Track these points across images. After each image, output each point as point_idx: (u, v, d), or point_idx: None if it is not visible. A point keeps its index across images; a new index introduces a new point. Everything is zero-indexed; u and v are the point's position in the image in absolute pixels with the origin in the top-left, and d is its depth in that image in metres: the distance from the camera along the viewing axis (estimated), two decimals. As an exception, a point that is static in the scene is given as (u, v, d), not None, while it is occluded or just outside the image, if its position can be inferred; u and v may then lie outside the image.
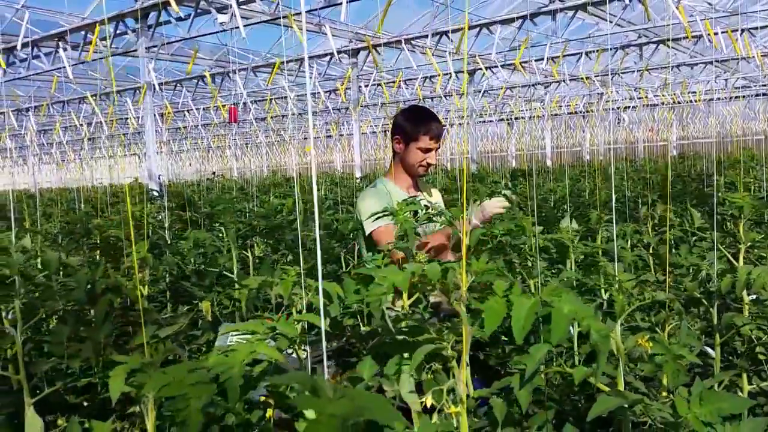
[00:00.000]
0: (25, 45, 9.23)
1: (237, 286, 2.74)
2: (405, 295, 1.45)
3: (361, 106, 17.27)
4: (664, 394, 1.37)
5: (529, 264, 1.85)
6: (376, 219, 2.35)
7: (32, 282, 2.30)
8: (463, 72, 13.72)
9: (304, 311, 1.48)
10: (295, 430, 1.49)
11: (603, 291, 1.93)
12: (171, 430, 1.68)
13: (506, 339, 1.98)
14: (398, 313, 1.54)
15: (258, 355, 1.31)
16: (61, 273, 2.55)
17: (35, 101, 15.25)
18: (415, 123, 2.68)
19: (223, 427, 1.59)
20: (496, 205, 2.34)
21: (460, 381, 1.05)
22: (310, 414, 1.37)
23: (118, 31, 9.29)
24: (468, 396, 1.12)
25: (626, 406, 1.19)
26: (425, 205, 2.09)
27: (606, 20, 10.67)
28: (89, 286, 2.29)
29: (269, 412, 1.34)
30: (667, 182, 3.82)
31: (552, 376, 1.54)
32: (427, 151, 2.69)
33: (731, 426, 1.18)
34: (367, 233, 2.57)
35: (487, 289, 1.11)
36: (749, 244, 2.15)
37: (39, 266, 2.45)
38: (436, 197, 2.90)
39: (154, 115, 9.56)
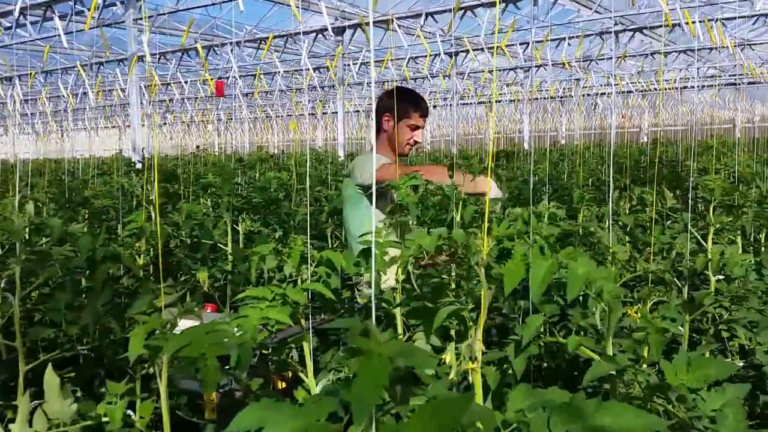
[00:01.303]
0: (8, 13, 9.07)
1: (230, 258, 2.83)
2: (399, 268, 1.54)
3: (348, 85, 17.23)
4: (645, 366, 1.47)
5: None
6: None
7: (33, 249, 2.34)
8: (448, 53, 13.77)
9: (309, 281, 1.56)
10: (294, 397, 1.58)
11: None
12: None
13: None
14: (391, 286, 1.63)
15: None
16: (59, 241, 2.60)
17: (17, 71, 14.95)
18: (405, 101, 2.75)
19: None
20: (485, 188, 2.35)
21: (477, 340, 1.15)
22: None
23: (106, 3, 9.20)
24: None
25: (617, 372, 1.27)
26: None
27: (586, 7, 10.80)
28: (89, 254, 2.33)
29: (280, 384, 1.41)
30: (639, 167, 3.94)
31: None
32: (415, 128, 2.78)
33: (716, 392, 1.25)
34: (368, 178, 2.61)
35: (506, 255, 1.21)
36: (718, 226, 2.28)
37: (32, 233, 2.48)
38: None
39: (140, 87, 9.47)
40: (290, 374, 1.74)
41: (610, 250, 1.53)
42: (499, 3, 9.88)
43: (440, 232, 1.32)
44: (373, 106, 2.79)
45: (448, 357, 1.14)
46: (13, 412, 1.91)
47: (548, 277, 1.15)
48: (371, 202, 2.69)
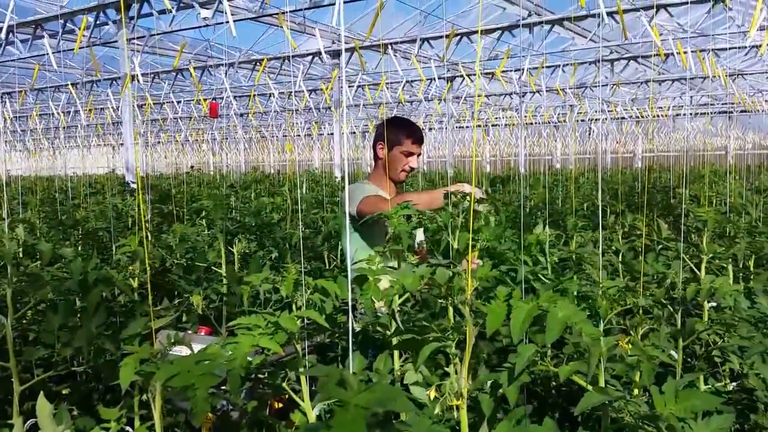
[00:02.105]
0: (-3, 30, 9.10)
1: (225, 281, 2.82)
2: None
3: (344, 108, 17.34)
4: (636, 391, 1.48)
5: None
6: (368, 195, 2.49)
7: (24, 272, 2.34)
8: (442, 78, 13.90)
9: (304, 308, 1.56)
10: (290, 419, 1.58)
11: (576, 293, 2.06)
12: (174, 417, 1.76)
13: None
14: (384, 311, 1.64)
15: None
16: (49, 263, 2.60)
17: (6, 87, 14.99)
18: (399, 128, 2.83)
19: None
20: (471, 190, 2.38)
21: (462, 377, 1.15)
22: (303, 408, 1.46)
23: (98, 22, 9.24)
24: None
25: (608, 402, 1.30)
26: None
27: (581, 36, 10.94)
28: (81, 277, 2.33)
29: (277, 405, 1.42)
30: (634, 193, 3.98)
31: (537, 374, 1.65)
32: (410, 155, 2.84)
33: (703, 421, 1.29)
34: (354, 208, 2.65)
35: (488, 293, 1.23)
36: (711, 255, 2.31)
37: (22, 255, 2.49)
38: None
39: (133, 106, 9.50)
40: (287, 395, 1.74)
41: (601, 285, 1.55)
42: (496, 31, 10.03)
43: (423, 272, 1.34)
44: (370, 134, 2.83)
45: (433, 393, 1.15)
46: (9, 430, 1.91)
47: (528, 321, 1.19)
48: (363, 233, 2.71)
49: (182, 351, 1.62)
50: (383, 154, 2.84)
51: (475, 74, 13.25)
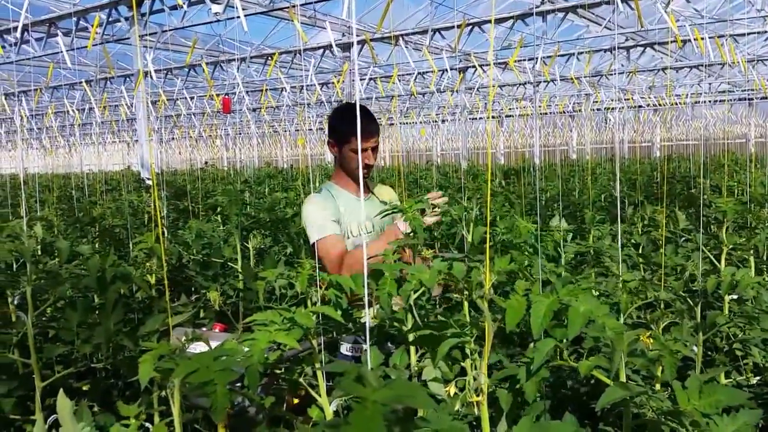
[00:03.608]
0: (12, 29, 9.18)
1: (241, 277, 2.83)
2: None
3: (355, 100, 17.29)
4: (658, 386, 1.46)
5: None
6: (322, 234, 2.31)
7: (43, 269, 2.37)
8: (454, 69, 13.83)
9: (318, 303, 1.56)
10: (308, 414, 1.58)
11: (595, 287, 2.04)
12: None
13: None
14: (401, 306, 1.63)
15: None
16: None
17: (22, 86, 15.13)
18: (344, 124, 2.48)
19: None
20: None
21: (481, 373, 1.14)
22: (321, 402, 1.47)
23: (110, 19, 9.29)
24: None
25: (630, 397, 1.27)
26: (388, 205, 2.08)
27: (596, 23, 10.82)
28: (99, 274, 2.35)
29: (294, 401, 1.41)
30: (652, 183, 3.94)
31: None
32: (363, 151, 2.46)
33: (729, 417, 1.25)
34: (311, 242, 2.43)
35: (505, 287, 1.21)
36: (731, 246, 2.28)
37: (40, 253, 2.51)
38: (390, 195, 2.74)
39: (147, 102, 9.54)
40: (304, 390, 1.75)
41: (621, 279, 1.52)
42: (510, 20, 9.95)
43: (440, 267, 1.32)
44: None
45: (452, 389, 1.13)
46: (32, 426, 1.93)
47: (549, 316, 1.16)
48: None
49: (197, 348, 1.62)
50: (335, 152, 2.55)
51: (487, 64, 13.17)
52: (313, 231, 2.42)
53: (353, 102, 2.72)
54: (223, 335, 1.85)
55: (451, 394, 1.15)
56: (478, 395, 1.15)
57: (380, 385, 0.84)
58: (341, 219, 2.48)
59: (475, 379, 1.14)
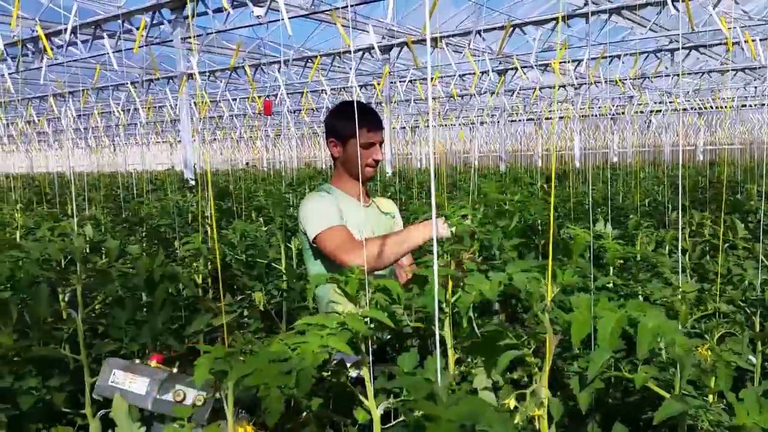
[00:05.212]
0: (60, 32, 9.44)
1: (284, 277, 2.85)
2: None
3: (395, 103, 17.35)
4: (711, 397, 1.42)
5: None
6: (328, 224, 2.15)
7: (93, 268, 2.42)
8: (495, 71, 13.73)
9: (367, 306, 1.55)
10: (353, 416, 1.58)
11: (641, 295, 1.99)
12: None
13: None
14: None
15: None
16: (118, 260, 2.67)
17: (69, 87, 15.56)
18: (349, 117, 2.34)
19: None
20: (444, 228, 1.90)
21: (542, 387, 1.12)
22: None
23: (153, 21, 9.48)
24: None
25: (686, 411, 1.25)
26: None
27: (640, 24, 10.61)
28: (148, 274, 2.39)
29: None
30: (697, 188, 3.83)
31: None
32: (369, 146, 2.37)
33: None
34: (311, 236, 2.26)
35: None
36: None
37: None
38: (390, 206, 2.63)
39: (190, 104, 9.72)
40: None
41: (681, 290, 1.48)
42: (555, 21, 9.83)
43: (500, 278, 1.29)
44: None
45: (512, 402, 1.12)
46: (83, 419, 1.97)
47: (618, 331, 1.14)
48: (327, 259, 2.26)
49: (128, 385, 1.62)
50: (338, 151, 2.42)
51: (528, 66, 13.03)
52: (315, 223, 2.24)
53: (346, 101, 2.62)
54: (160, 372, 1.74)
55: (511, 406, 1.13)
56: (539, 409, 1.13)
57: (450, 402, 0.83)
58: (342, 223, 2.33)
59: (535, 392, 1.12)
